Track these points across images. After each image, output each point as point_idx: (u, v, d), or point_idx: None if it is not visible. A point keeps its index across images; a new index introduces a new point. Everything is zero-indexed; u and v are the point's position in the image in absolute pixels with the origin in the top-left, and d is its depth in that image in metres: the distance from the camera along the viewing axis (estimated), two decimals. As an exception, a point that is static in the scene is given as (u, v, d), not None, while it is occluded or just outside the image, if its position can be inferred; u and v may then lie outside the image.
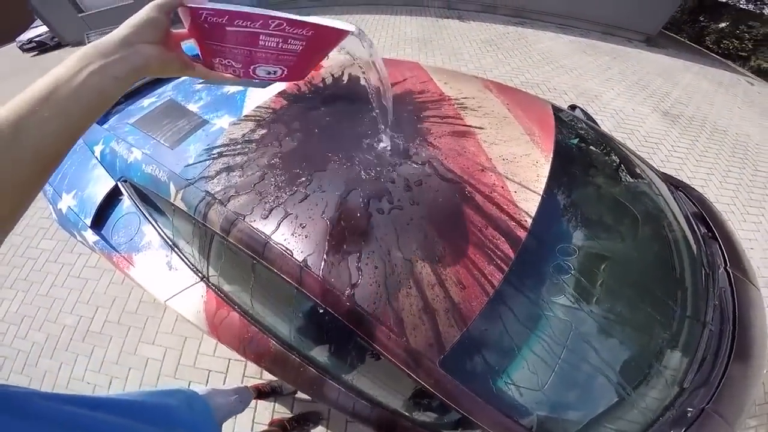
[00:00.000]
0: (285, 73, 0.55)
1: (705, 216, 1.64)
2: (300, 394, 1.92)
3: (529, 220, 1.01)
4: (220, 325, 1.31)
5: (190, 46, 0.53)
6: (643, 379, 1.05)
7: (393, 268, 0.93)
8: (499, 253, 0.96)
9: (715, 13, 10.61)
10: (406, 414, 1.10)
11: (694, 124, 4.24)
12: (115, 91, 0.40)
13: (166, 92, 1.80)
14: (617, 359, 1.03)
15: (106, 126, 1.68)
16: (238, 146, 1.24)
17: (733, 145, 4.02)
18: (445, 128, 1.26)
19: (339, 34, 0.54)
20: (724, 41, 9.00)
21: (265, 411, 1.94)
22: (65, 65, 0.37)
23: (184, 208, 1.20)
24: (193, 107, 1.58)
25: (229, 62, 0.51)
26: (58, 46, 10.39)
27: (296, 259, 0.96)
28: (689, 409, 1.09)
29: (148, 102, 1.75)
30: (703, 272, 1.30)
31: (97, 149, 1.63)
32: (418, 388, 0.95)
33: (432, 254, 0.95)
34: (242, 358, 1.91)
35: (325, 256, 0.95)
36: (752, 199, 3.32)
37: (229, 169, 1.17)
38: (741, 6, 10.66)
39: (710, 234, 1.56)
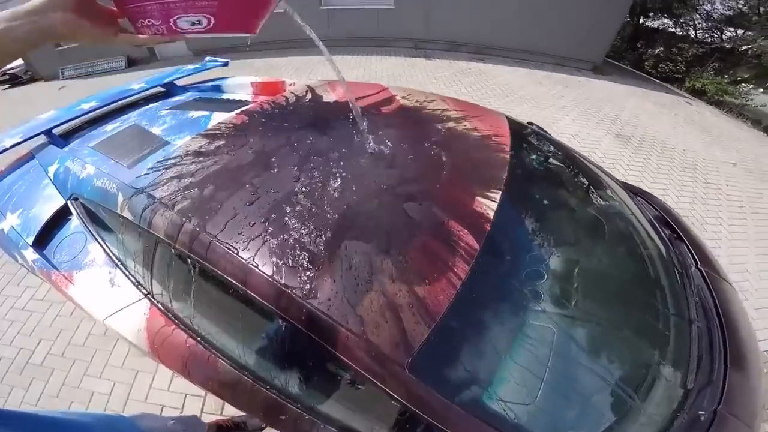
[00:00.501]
0: (213, 21, 0.52)
1: (668, 219, 1.65)
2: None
3: (492, 213, 1.00)
4: (162, 344, 1.21)
5: None
6: (642, 381, 1.01)
7: (350, 264, 0.86)
8: (463, 245, 0.92)
9: (650, 39, 11.81)
10: None
11: (644, 144, 4.60)
12: (16, 50, 0.46)
13: (131, 118, 1.83)
14: (608, 362, 1.00)
15: (66, 149, 1.66)
16: (191, 157, 1.21)
17: (683, 161, 4.37)
18: (405, 131, 1.30)
19: None
20: (660, 65, 9.93)
21: None
22: None
23: (130, 217, 1.15)
24: (156, 130, 1.59)
25: (149, 21, 0.50)
26: (31, 80, 10.28)
27: (241, 257, 0.90)
28: (701, 412, 1.02)
29: (111, 127, 1.78)
30: (677, 271, 1.30)
31: (51, 169, 1.60)
32: (387, 402, 0.85)
33: (394, 249, 0.90)
34: (200, 393, 1.81)
35: (274, 255, 0.89)
36: (708, 209, 3.57)
37: (179, 177, 1.13)
38: (670, 30, 11.91)
39: (676, 235, 1.57)
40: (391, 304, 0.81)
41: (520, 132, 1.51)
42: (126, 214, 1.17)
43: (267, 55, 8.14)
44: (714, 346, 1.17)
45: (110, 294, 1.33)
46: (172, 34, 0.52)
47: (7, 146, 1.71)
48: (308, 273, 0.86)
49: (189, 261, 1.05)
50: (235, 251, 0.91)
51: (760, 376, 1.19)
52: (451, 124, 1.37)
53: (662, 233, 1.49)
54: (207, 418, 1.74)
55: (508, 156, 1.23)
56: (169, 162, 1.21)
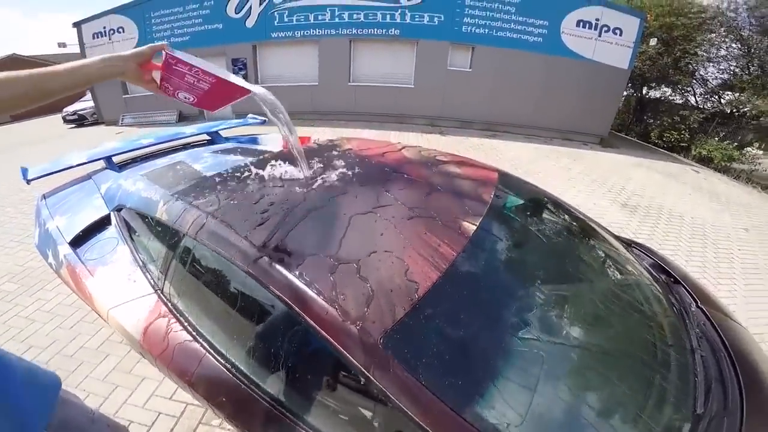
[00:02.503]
0: (195, 100, 0.91)
1: (664, 267, 1.69)
2: None
3: (479, 219, 1.17)
4: (155, 337, 1.32)
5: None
6: (643, 407, 1.00)
7: (345, 253, 0.99)
8: (444, 249, 1.04)
9: (654, 109, 12.11)
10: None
11: (651, 213, 4.84)
12: (98, 76, 0.77)
13: (179, 156, 2.19)
14: (595, 385, 1.03)
15: (120, 174, 2.02)
16: (224, 182, 1.47)
17: (692, 228, 4.51)
18: (407, 168, 1.54)
19: (238, 89, 0.92)
20: (665, 135, 10.21)
21: None
22: (92, 59, 0.76)
23: (166, 218, 1.35)
24: (197, 166, 1.91)
25: (166, 85, 0.88)
26: (95, 123, 11.68)
27: (242, 240, 1.06)
28: None
29: (161, 162, 2.15)
30: (676, 310, 1.34)
31: (104, 186, 1.91)
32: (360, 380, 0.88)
33: (384, 244, 1.03)
34: (175, 414, 1.87)
35: (279, 246, 1.04)
36: (720, 272, 3.60)
37: (213, 193, 1.36)
38: (671, 98, 12.18)
39: (672, 279, 1.60)
40: (372, 284, 0.92)
41: (510, 180, 1.71)
42: (163, 216, 1.37)
43: (298, 124, 9.17)
44: (725, 376, 1.16)
45: (123, 288, 1.49)
46: (173, 96, 0.90)
47: (73, 164, 2.06)
48: (308, 261, 0.99)
49: (206, 257, 1.24)
50: (240, 237, 1.09)
51: None
52: (449, 167, 1.63)
53: (658, 277, 1.55)
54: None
55: (492, 192, 1.40)
56: (200, 183, 1.51)
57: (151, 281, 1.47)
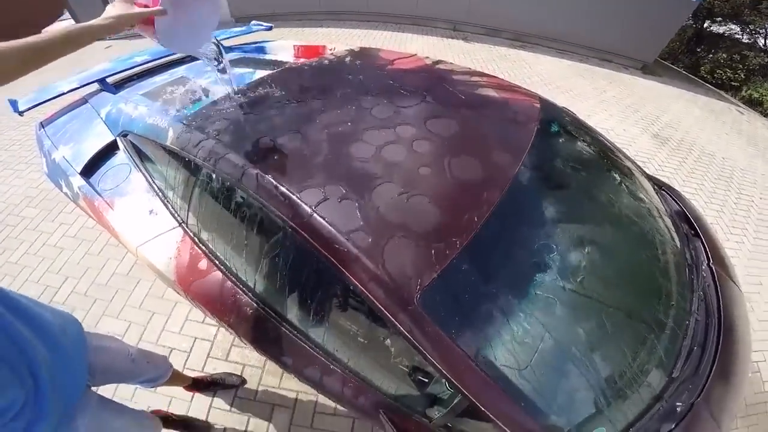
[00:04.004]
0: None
1: (688, 215, 1.68)
2: (241, 393, 1.85)
3: (515, 169, 1.08)
4: (189, 274, 1.31)
5: None
6: (632, 360, 1.04)
7: (380, 204, 0.95)
8: (484, 196, 1.00)
9: (712, 44, 10.97)
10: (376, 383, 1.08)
11: (682, 147, 4.45)
12: (99, 33, 0.81)
13: (179, 72, 2.00)
14: (602, 337, 1.04)
15: (118, 96, 1.85)
16: (237, 103, 1.36)
17: (720, 169, 4.21)
18: (434, 90, 1.42)
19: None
20: (717, 71, 9.29)
21: (203, 406, 1.83)
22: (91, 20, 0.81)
23: (178, 149, 1.28)
24: (202, 83, 1.75)
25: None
26: None
27: (277, 184, 1.00)
28: (678, 403, 1.06)
29: (160, 78, 1.95)
30: (687, 264, 1.34)
31: (104, 111, 1.79)
32: (389, 340, 0.95)
33: (416, 191, 0.98)
34: (209, 337, 1.99)
35: (310, 187, 0.99)
36: (735, 220, 3.47)
37: (225, 118, 1.27)
38: (736, 36, 11.03)
39: (693, 232, 1.59)
40: (410, 244, 0.89)
41: (551, 107, 1.57)
42: (174, 146, 1.29)
43: (306, 26, 8.22)
44: (708, 342, 1.21)
45: (146, 222, 1.44)
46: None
47: (65, 91, 1.90)
48: (343, 209, 0.95)
49: (225, 189, 1.18)
50: (272, 178, 1.03)
51: (745, 380, 1.23)
52: (489, 92, 1.47)
53: (680, 226, 1.52)
54: (212, 362, 1.94)
55: (535, 125, 1.30)
56: (217, 107, 1.37)
57: (174, 212, 1.44)
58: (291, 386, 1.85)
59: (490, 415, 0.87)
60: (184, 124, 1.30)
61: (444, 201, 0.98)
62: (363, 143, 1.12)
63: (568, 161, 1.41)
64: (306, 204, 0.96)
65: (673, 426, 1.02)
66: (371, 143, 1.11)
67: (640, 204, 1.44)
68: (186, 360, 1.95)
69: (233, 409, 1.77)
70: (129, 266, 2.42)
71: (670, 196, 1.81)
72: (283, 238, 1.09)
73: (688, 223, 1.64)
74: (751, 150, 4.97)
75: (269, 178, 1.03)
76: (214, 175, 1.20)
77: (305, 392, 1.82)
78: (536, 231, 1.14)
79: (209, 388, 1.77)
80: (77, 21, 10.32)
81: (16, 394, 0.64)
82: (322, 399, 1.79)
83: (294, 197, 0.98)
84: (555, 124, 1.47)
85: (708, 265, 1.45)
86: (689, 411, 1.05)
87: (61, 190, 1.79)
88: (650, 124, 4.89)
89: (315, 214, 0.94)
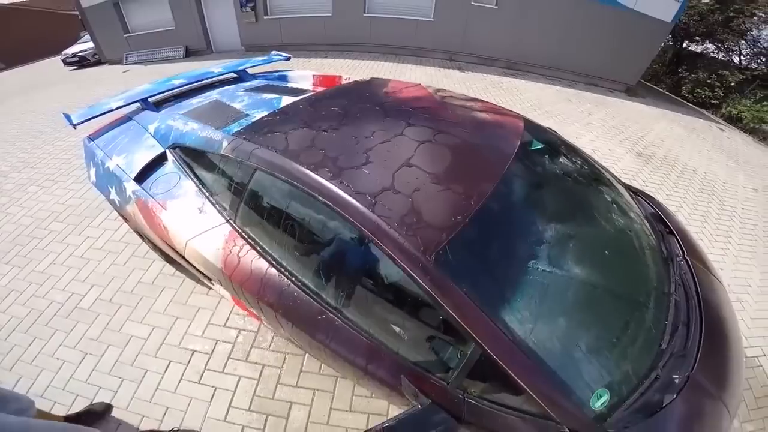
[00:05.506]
0: None
1: (662, 216, 1.87)
2: (260, 392, 1.92)
3: (506, 168, 1.34)
4: (237, 264, 1.49)
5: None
6: (622, 332, 1.18)
7: (401, 182, 1.20)
8: (487, 174, 1.28)
9: (692, 64, 11.46)
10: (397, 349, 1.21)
11: (665, 164, 4.76)
12: None
13: (212, 95, 2.31)
14: (595, 312, 1.21)
15: (162, 114, 2.14)
16: (275, 122, 1.65)
17: (702, 183, 4.48)
18: (438, 110, 1.76)
19: None
20: (697, 90, 9.79)
21: (223, 404, 1.89)
22: None
23: (232, 155, 1.51)
24: (236, 105, 2.03)
25: None
26: (98, 63, 11.35)
27: (313, 170, 1.26)
28: (675, 376, 1.15)
29: (195, 101, 2.26)
30: (663, 258, 1.51)
31: (152, 126, 2.02)
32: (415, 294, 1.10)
33: (435, 172, 1.24)
34: (230, 339, 2.11)
35: (342, 173, 1.25)
36: (719, 229, 3.69)
37: (268, 132, 1.55)
38: (713, 55, 11.61)
39: (668, 230, 1.78)
40: (427, 209, 1.14)
41: (533, 123, 1.87)
42: (228, 153, 1.53)
43: (311, 56, 8.75)
44: (691, 320, 1.34)
45: (196, 220, 1.63)
46: None
47: (113, 107, 2.15)
48: (368, 186, 1.21)
49: (271, 187, 1.41)
50: (311, 167, 1.30)
51: (738, 358, 1.34)
52: (482, 114, 1.78)
53: (655, 225, 1.71)
54: (232, 364, 1.99)
55: (521, 134, 1.60)
56: (257, 124, 1.65)
57: (221, 211, 1.60)
58: (309, 384, 1.93)
59: (493, 356, 1.01)
60: (235, 136, 1.56)
61: (451, 186, 1.22)
62: (381, 146, 1.40)
63: (552, 161, 1.69)
64: (341, 186, 1.21)
65: (674, 396, 1.11)
66: (387, 146, 1.40)
67: (619, 204, 1.65)
68: (207, 362, 2.01)
69: (252, 408, 1.84)
70: (154, 275, 2.53)
71: (646, 201, 2.02)
72: (320, 223, 1.33)
73: (663, 223, 1.83)
74: (732, 164, 5.27)
75: (308, 170, 1.29)
76: (262, 175, 1.43)
77: (322, 390, 1.90)
78: (529, 215, 1.40)
79: (79, 421, 1.68)
80: (95, 42, 11.11)
81: None
82: (338, 396, 1.88)
83: (329, 184, 1.24)
84: (535, 137, 1.75)
85: (684, 257, 1.62)
86: (686, 383, 1.14)
87: (108, 197, 2.02)
88: (634, 143, 5.22)
89: (349, 195, 1.18)
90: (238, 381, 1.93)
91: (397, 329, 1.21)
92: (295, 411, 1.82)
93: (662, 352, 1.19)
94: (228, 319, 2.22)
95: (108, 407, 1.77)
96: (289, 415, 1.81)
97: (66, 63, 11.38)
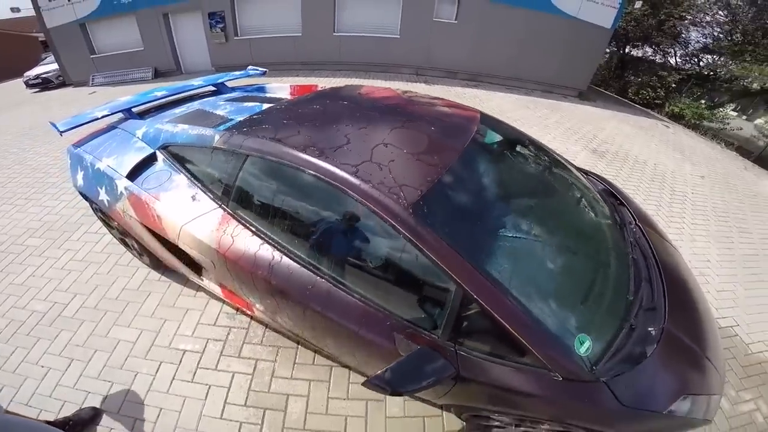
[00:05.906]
0: None
1: (612, 192, 2.10)
2: (255, 386, 1.93)
3: (467, 140, 1.57)
4: (231, 244, 1.58)
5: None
6: (591, 286, 1.32)
7: (380, 155, 1.37)
8: (448, 149, 1.47)
9: (635, 68, 12.55)
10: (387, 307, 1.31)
11: (618, 158, 5.19)
12: None
13: (194, 105, 2.42)
14: (563, 269, 1.38)
15: (149, 120, 2.23)
16: (259, 120, 1.80)
17: (653, 173, 4.91)
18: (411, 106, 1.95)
19: None
20: (642, 92, 10.66)
21: (219, 400, 1.88)
22: None
23: (225, 146, 1.63)
24: (219, 113, 2.17)
25: None
26: (62, 85, 10.91)
27: (301, 149, 1.41)
28: (650, 328, 1.26)
29: (179, 111, 2.36)
30: (617, 224, 1.70)
31: (140, 132, 2.12)
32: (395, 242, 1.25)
33: (403, 141, 1.46)
34: (221, 337, 2.13)
35: (326, 151, 1.40)
36: (673, 212, 4.02)
37: (256, 126, 1.69)
38: (651, 58, 12.64)
39: (619, 202, 2.01)
40: (402, 173, 1.30)
41: (486, 115, 2.11)
42: (220, 145, 1.66)
43: (283, 74, 8.96)
44: (652, 278, 1.48)
45: (190, 207, 1.73)
46: None
47: (99, 116, 2.25)
48: (350, 159, 1.36)
49: (262, 169, 1.55)
50: (300, 149, 1.43)
51: (710, 316, 1.48)
52: (446, 107, 2.02)
53: (607, 198, 1.93)
54: (224, 361, 2.01)
55: (476, 125, 1.79)
56: (244, 123, 1.79)
57: (214, 199, 1.70)
58: (304, 376, 1.95)
59: (473, 294, 1.12)
60: (225, 131, 1.70)
61: (421, 158, 1.40)
62: (359, 131, 1.57)
63: (507, 142, 1.92)
64: (328, 160, 1.36)
65: (655, 346, 1.23)
66: (364, 131, 1.57)
67: (574, 183, 1.87)
68: (199, 360, 2.01)
69: (248, 403, 1.83)
70: (140, 281, 2.52)
71: (596, 179, 2.27)
72: (309, 198, 1.49)
73: (614, 196, 2.07)
74: (678, 156, 5.81)
75: (298, 151, 1.43)
76: (252, 160, 1.56)
77: (318, 380, 1.93)
78: (493, 181, 1.59)
79: (64, 429, 1.65)
80: (60, 63, 10.76)
81: None
82: (335, 385, 1.91)
83: (317, 159, 1.39)
84: (490, 126, 1.97)
85: (636, 224, 1.83)
86: (662, 334, 1.27)
87: (96, 199, 2.09)
88: (588, 142, 5.68)
89: (335, 167, 1.33)
90: (232, 377, 1.94)
91: (388, 287, 1.31)
92: (293, 403, 1.84)
93: (631, 304, 1.31)
94: (218, 318, 2.24)
95: (97, 412, 1.76)
96: (286, 407, 1.82)
97: (28, 85, 10.97)
